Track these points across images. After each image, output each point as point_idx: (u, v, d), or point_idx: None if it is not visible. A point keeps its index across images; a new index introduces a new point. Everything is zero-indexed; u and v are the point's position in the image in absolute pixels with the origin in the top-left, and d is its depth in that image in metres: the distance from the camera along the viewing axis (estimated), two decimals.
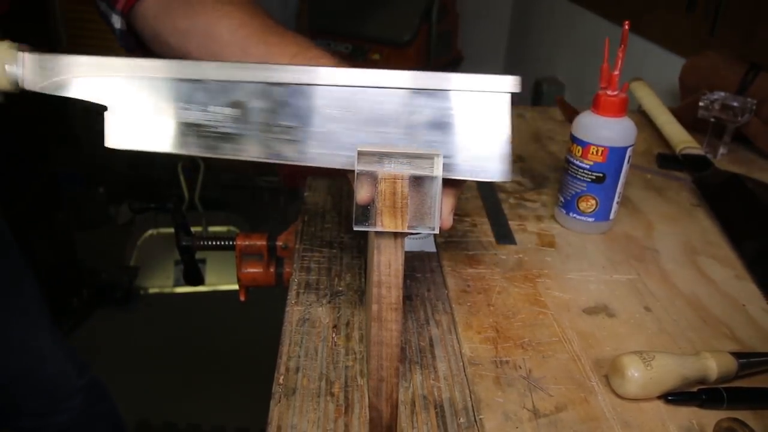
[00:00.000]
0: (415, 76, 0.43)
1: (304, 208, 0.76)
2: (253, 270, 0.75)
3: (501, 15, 2.74)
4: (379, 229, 0.41)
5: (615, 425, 0.46)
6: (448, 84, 0.43)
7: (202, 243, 0.78)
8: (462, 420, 0.47)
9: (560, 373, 0.51)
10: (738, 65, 1.02)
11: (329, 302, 0.59)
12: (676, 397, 0.48)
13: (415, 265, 0.66)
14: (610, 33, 0.70)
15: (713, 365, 0.50)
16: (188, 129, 0.44)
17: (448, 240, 0.70)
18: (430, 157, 0.41)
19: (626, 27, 0.64)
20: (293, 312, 0.58)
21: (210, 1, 0.56)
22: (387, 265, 0.42)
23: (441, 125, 0.43)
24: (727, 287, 0.64)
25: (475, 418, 0.47)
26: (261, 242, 0.74)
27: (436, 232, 0.42)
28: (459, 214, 0.76)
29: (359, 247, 0.68)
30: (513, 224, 0.74)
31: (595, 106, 0.68)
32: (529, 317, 0.58)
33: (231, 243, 0.75)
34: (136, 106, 0.43)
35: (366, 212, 0.41)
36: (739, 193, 0.81)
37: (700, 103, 0.95)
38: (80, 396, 1.01)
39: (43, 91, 0.43)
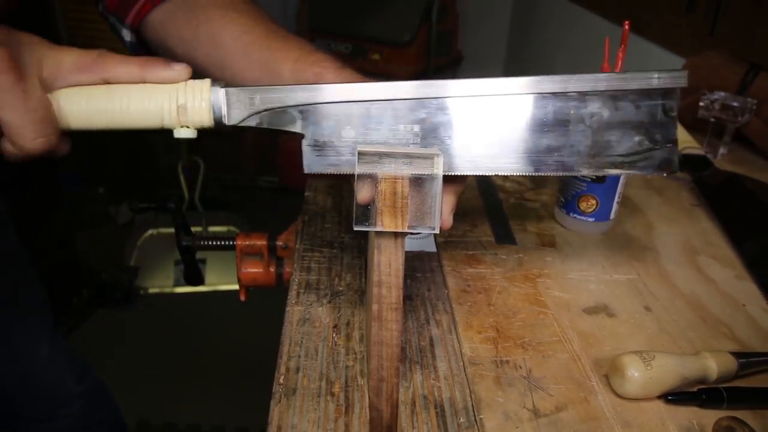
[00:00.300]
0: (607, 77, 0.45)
1: (304, 208, 0.76)
2: (254, 270, 0.75)
3: (501, 15, 2.74)
4: (379, 229, 0.41)
5: (615, 425, 0.46)
6: (627, 84, 0.45)
7: (202, 243, 0.78)
8: (462, 420, 0.47)
9: (560, 372, 0.51)
10: (738, 65, 1.02)
11: (329, 302, 0.59)
12: (676, 396, 0.49)
13: (416, 264, 0.66)
14: (610, 33, 0.70)
15: (713, 365, 0.50)
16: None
17: (448, 240, 0.70)
18: (430, 157, 0.41)
19: (626, 27, 0.64)
20: (293, 312, 0.58)
21: (213, 8, 0.57)
22: (387, 264, 0.42)
23: (620, 124, 0.46)
24: (727, 287, 0.64)
25: (475, 418, 0.47)
26: (261, 242, 0.74)
27: (437, 231, 0.42)
28: (459, 214, 0.76)
29: (359, 247, 0.68)
30: (513, 224, 0.74)
31: None
32: (529, 317, 0.58)
33: (231, 243, 0.75)
34: (330, 130, 0.45)
35: (366, 212, 0.41)
36: (739, 193, 0.81)
37: (700, 103, 0.95)
38: (80, 402, 1.00)
39: (243, 125, 0.44)
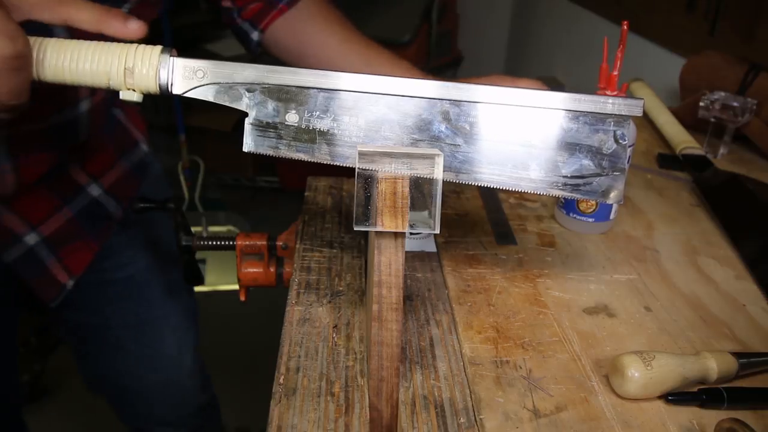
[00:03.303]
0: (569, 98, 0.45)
1: (304, 208, 0.76)
2: (254, 270, 0.75)
3: (501, 15, 2.74)
4: (379, 229, 0.41)
5: (615, 425, 0.46)
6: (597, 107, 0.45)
7: (202, 243, 0.78)
8: (462, 420, 0.47)
9: (560, 373, 0.51)
10: (738, 65, 1.02)
11: (329, 302, 0.59)
12: (676, 397, 0.49)
13: (416, 265, 0.66)
14: (609, 33, 0.70)
15: (713, 365, 0.50)
16: (321, 137, 0.45)
17: (448, 240, 0.70)
18: (430, 158, 0.41)
19: (625, 27, 0.64)
20: (293, 312, 0.58)
21: (321, 20, 0.76)
22: (387, 265, 0.42)
23: (569, 145, 0.45)
24: (727, 287, 0.64)
25: (475, 418, 0.47)
26: (261, 242, 0.74)
27: (437, 231, 0.42)
28: (459, 214, 0.76)
29: (359, 247, 0.68)
30: (513, 224, 0.74)
31: None
32: (529, 317, 0.58)
33: (231, 243, 0.75)
34: (274, 112, 0.45)
35: (366, 212, 0.41)
36: (739, 193, 0.81)
37: (700, 103, 0.95)
38: (203, 412, 1.07)
39: (188, 96, 0.45)
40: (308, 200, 0.78)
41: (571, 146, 0.45)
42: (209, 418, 1.10)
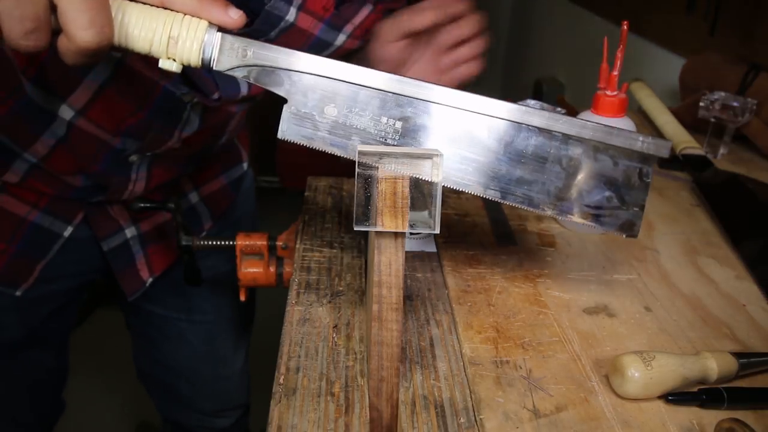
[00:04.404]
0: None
1: (304, 208, 0.76)
2: (254, 270, 0.75)
3: (501, 15, 2.74)
4: (379, 229, 0.41)
5: (615, 425, 0.46)
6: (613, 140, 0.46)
7: (202, 243, 0.78)
8: (462, 420, 0.47)
9: (560, 373, 0.51)
10: (738, 65, 1.02)
11: (329, 302, 0.59)
12: (676, 397, 0.49)
13: (416, 265, 0.66)
14: (610, 33, 0.70)
15: (713, 365, 0.50)
16: (357, 134, 0.45)
17: (448, 240, 0.70)
18: (429, 157, 0.41)
19: (625, 27, 0.64)
20: (293, 312, 0.58)
21: None
22: (387, 265, 0.42)
23: (595, 176, 0.46)
24: (727, 287, 0.64)
25: (475, 418, 0.47)
26: (261, 242, 0.74)
27: (437, 231, 0.42)
28: (459, 214, 0.76)
29: (359, 247, 0.68)
30: (513, 224, 0.74)
31: (595, 106, 0.68)
32: (529, 317, 0.58)
33: (231, 243, 0.75)
34: (314, 102, 0.45)
35: (366, 212, 0.41)
36: (739, 193, 0.81)
37: (701, 103, 0.95)
38: (239, 411, 1.13)
39: (230, 74, 0.44)
40: (308, 200, 0.78)
41: (596, 177, 0.46)
42: (242, 418, 1.15)
